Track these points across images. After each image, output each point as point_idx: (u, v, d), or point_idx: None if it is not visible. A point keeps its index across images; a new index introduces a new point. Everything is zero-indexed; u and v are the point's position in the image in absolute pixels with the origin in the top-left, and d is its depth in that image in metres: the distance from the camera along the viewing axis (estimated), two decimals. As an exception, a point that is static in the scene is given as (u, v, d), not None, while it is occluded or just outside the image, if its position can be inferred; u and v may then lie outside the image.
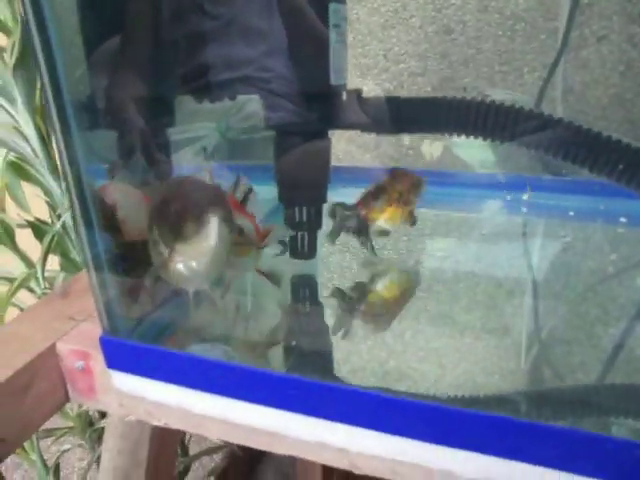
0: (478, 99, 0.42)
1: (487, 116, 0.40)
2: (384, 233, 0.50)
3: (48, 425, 0.52)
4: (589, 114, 0.78)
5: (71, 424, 0.81)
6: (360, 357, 0.44)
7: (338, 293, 0.49)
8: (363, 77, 0.82)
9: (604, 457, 0.29)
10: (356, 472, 0.37)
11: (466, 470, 0.33)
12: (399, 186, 0.49)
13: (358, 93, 0.44)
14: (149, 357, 0.40)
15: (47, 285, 0.72)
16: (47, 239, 0.70)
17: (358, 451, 0.36)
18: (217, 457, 1.14)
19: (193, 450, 0.98)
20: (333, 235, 0.47)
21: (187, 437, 0.97)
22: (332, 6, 0.40)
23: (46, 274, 0.72)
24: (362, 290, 0.50)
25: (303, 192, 0.46)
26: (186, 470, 0.95)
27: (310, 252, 0.49)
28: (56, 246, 0.73)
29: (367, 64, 0.81)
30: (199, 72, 0.41)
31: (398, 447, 0.34)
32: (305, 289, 0.52)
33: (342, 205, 0.47)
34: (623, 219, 0.58)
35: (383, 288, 0.51)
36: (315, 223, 0.48)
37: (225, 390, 0.38)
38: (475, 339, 0.44)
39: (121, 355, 0.41)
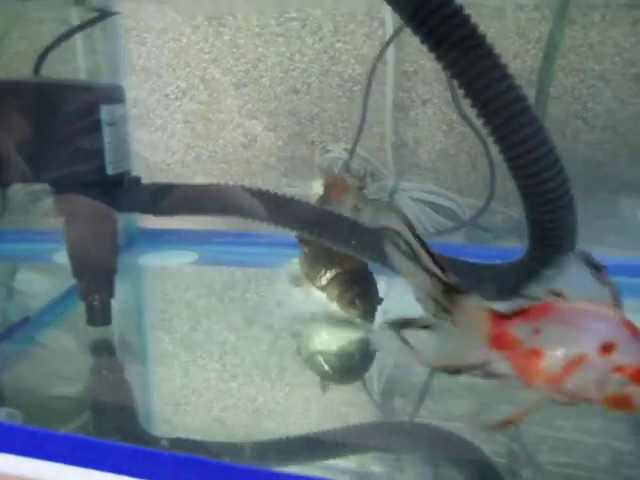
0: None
1: (236, 200, 0.47)
2: None
3: None
4: (420, 166, 0.87)
5: None
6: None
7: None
8: (220, 130, 0.89)
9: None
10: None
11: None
12: None
13: (137, 180, 0.50)
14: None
15: None
16: None
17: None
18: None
19: None
20: None
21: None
22: (104, 108, 0.46)
23: None
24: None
25: (92, 266, 0.50)
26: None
27: (105, 319, 0.52)
28: None
29: (223, 119, 0.88)
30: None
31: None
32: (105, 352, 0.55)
33: None
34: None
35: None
36: (107, 293, 0.51)
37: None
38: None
39: None
